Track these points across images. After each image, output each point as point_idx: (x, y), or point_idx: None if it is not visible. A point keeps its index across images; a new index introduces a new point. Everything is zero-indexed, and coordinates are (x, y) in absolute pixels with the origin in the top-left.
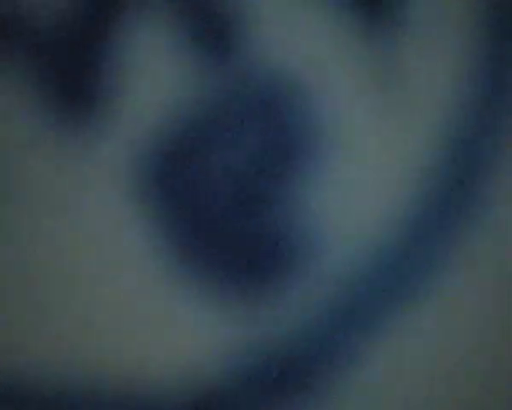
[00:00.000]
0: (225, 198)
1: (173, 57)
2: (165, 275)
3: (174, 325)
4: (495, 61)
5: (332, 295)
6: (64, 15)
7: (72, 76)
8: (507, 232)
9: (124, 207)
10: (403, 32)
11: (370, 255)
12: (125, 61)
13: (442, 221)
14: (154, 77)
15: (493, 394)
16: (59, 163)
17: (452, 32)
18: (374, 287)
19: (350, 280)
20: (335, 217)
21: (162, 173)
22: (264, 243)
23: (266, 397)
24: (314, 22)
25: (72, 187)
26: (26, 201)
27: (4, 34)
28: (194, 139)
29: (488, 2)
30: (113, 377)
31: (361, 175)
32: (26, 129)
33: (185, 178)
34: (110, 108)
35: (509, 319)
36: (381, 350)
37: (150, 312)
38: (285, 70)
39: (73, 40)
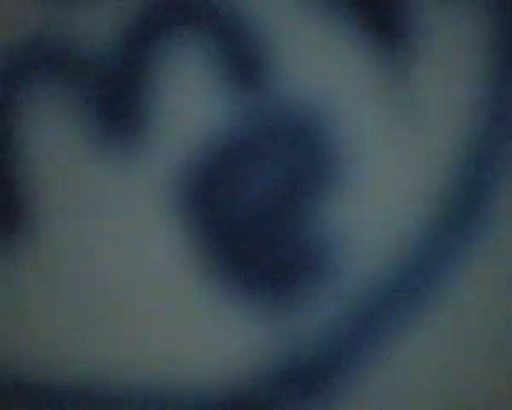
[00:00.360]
0: (255, 211)
1: (208, 84)
2: (199, 280)
3: (208, 323)
4: (506, 86)
5: (355, 299)
6: (107, 43)
7: (115, 100)
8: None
9: (162, 219)
10: (417, 59)
11: (389, 263)
12: (164, 86)
13: (451, 237)
14: (191, 102)
15: (507, 393)
16: (101, 180)
17: (465, 57)
18: (391, 292)
19: (372, 287)
20: (358, 229)
21: (196, 189)
22: (294, 250)
23: (291, 394)
24: (335, 56)
25: (114, 202)
26: (72, 212)
27: (52, 62)
28: (227, 160)
29: (501, 27)
30: (141, 372)
31: (379, 192)
32: (71, 148)
33: (218, 194)
34: (149, 130)
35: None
36: (402, 350)
37: (187, 313)
38: (310, 99)
39: (115, 67)
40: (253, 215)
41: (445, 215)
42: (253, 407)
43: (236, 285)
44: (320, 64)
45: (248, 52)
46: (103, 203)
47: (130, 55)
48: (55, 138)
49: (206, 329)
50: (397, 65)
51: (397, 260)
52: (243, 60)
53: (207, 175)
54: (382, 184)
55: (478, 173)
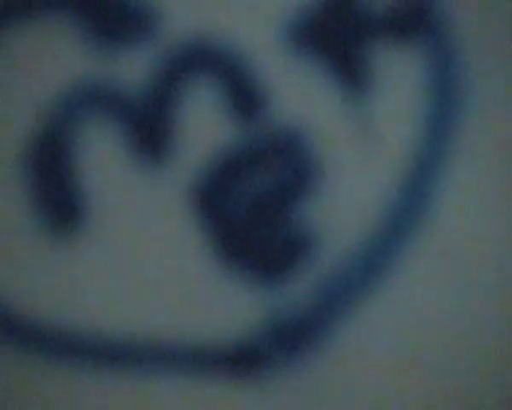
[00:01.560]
0: (253, 209)
1: (218, 113)
2: (214, 267)
3: (220, 297)
4: (442, 107)
5: (326, 277)
6: (143, 81)
7: (147, 125)
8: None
9: (185, 221)
10: (373, 91)
11: (347, 253)
12: (185, 115)
13: (402, 228)
14: (205, 127)
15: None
16: (139, 187)
17: (409, 88)
18: (353, 270)
19: (339, 267)
20: (330, 224)
21: (209, 192)
22: (284, 237)
23: (283, 345)
24: (313, 91)
25: (148, 202)
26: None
27: (99, 96)
28: (232, 170)
29: (435, 67)
30: (174, 333)
31: (348, 193)
32: (117, 163)
33: (227, 199)
34: (173, 148)
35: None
36: (364, 310)
37: (206, 291)
38: (294, 123)
39: (149, 100)
40: (252, 213)
41: (394, 215)
42: (250, 356)
43: (240, 265)
44: (302, 97)
45: (248, 89)
46: (141, 204)
47: (159, 90)
48: (104, 156)
49: (216, 297)
50: (359, 97)
51: (357, 246)
52: (244, 94)
53: (217, 181)
54: (349, 188)
55: (421, 181)
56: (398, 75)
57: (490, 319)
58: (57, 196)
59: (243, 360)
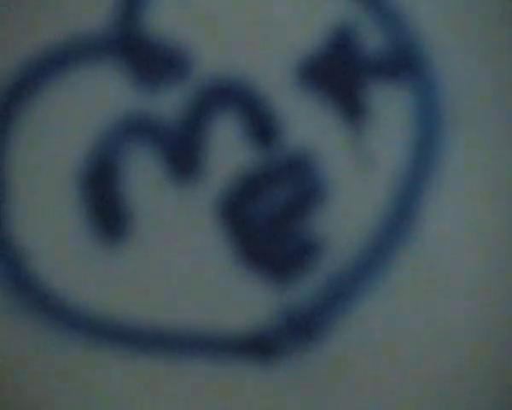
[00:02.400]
0: (269, 221)
1: (239, 141)
2: (236, 269)
3: (241, 294)
4: (423, 135)
5: (331, 278)
6: (176, 112)
7: (180, 150)
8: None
9: (212, 230)
10: (372, 128)
11: (349, 257)
12: (211, 141)
13: (394, 237)
14: (228, 152)
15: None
16: (174, 201)
17: (398, 121)
18: (353, 275)
19: (342, 270)
20: (334, 233)
21: (233, 210)
22: (295, 245)
23: (293, 336)
24: (319, 122)
25: (180, 219)
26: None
27: (140, 128)
28: (251, 189)
29: (417, 105)
30: (202, 324)
31: (348, 209)
32: (152, 186)
33: (247, 212)
34: (201, 170)
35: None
36: (361, 306)
37: (229, 289)
38: (304, 150)
39: (181, 129)
40: (268, 224)
41: (387, 225)
42: (266, 344)
43: (258, 267)
44: (310, 127)
45: (265, 120)
46: (175, 216)
47: (191, 122)
48: (145, 177)
49: (237, 294)
50: (358, 127)
51: (356, 252)
52: (262, 125)
53: (238, 198)
54: (350, 203)
55: (411, 198)
56: (391, 109)
57: (476, 326)
58: (107, 210)
59: (259, 347)
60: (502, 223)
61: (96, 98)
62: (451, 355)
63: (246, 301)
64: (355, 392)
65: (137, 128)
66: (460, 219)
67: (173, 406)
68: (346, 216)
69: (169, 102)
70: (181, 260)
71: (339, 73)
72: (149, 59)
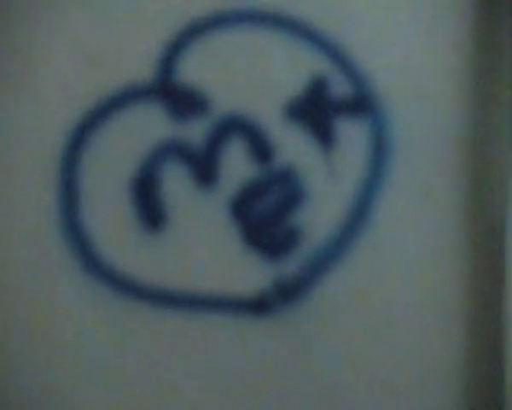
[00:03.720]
0: (268, 217)
1: (245, 159)
2: (243, 250)
3: (246, 268)
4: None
5: (309, 257)
6: (199, 140)
7: (202, 167)
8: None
9: (226, 223)
10: (339, 150)
11: (321, 243)
12: (224, 160)
13: (355, 229)
14: (237, 168)
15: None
16: (198, 205)
17: (358, 151)
18: (325, 255)
19: (317, 251)
20: (311, 225)
21: (241, 208)
22: (284, 236)
23: (284, 299)
24: (303, 146)
25: (202, 216)
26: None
27: (173, 150)
28: (253, 194)
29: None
30: (218, 291)
31: (321, 207)
32: (182, 192)
33: (250, 211)
34: (219, 182)
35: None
36: (331, 276)
37: (238, 265)
38: (290, 165)
39: (203, 151)
40: (266, 218)
41: (349, 220)
42: (264, 305)
43: (258, 249)
44: (295, 149)
45: (263, 144)
46: (199, 213)
47: (210, 146)
48: (176, 186)
49: (244, 268)
50: (328, 150)
51: (328, 239)
52: (261, 148)
53: (244, 200)
54: (322, 203)
55: (366, 200)
56: (352, 138)
57: (415, 292)
58: (151, 209)
59: (259, 306)
60: (434, 221)
61: (144, 129)
62: (397, 305)
63: (249, 274)
64: (328, 337)
65: (172, 150)
66: (403, 218)
67: (196, 348)
68: (319, 214)
69: (194, 132)
70: (203, 244)
71: (315, 111)
72: (181, 101)
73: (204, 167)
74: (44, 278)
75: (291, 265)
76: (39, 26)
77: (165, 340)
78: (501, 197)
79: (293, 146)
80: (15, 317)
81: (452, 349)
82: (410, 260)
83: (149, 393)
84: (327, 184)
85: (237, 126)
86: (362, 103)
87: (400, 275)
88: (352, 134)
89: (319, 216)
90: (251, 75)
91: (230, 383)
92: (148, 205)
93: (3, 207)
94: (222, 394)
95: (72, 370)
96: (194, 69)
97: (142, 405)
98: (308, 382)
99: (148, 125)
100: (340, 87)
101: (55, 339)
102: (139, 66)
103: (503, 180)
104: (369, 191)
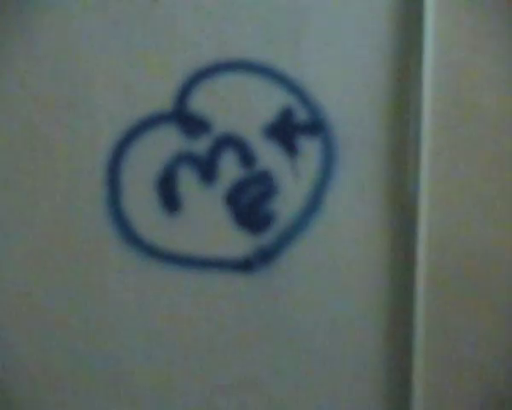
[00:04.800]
0: (250, 205)
1: (235, 164)
2: (233, 227)
3: (235, 241)
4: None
5: (279, 232)
6: (204, 152)
7: (206, 169)
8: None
9: (222, 208)
10: (302, 160)
11: (289, 223)
12: (222, 164)
13: (311, 216)
14: (229, 170)
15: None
16: (204, 197)
17: (314, 160)
18: (290, 231)
19: (284, 228)
20: (281, 210)
21: (232, 198)
22: (262, 218)
23: (262, 261)
24: (277, 156)
25: (206, 203)
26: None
27: (185, 158)
28: (241, 189)
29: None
30: (214, 255)
31: (288, 198)
32: (192, 187)
33: (238, 200)
34: (217, 180)
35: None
36: (297, 245)
37: (228, 238)
38: (268, 169)
39: (207, 158)
40: (249, 204)
41: (307, 207)
42: (247, 266)
43: (244, 226)
44: (272, 158)
45: (248, 154)
46: (203, 203)
47: (211, 155)
48: (189, 184)
49: (233, 241)
50: (294, 160)
51: (291, 220)
52: (247, 157)
53: (234, 193)
54: (289, 195)
55: (318, 196)
56: (311, 151)
57: (360, 264)
58: (170, 199)
59: (243, 267)
60: (367, 209)
61: (165, 143)
62: (339, 266)
63: (238, 244)
64: (293, 289)
65: (184, 159)
66: (345, 207)
67: (201, 295)
68: (287, 204)
69: (200, 146)
70: (206, 224)
71: (284, 132)
72: (191, 124)
73: (206, 171)
74: (97, 250)
75: (267, 238)
76: (95, 67)
77: (179, 290)
78: (413, 197)
79: (269, 156)
80: (76, 282)
81: (379, 294)
82: (350, 234)
83: (169, 330)
84: (292, 183)
85: (230, 142)
86: (316, 126)
87: (343, 245)
88: (310, 148)
89: (287, 205)
90: (239, 106)
91: (227, 321)
92: (168, 197)
93: (65, 199)
94: (220, 329)
95: (117, 315)
96: (201, 102)
97: (167, 337)
98: (279, 319)
99: (168, 141)
100: (301, 115)
101: (107, 296)
102: (162, 99)
103: (415, 183)
104: (321, 188)
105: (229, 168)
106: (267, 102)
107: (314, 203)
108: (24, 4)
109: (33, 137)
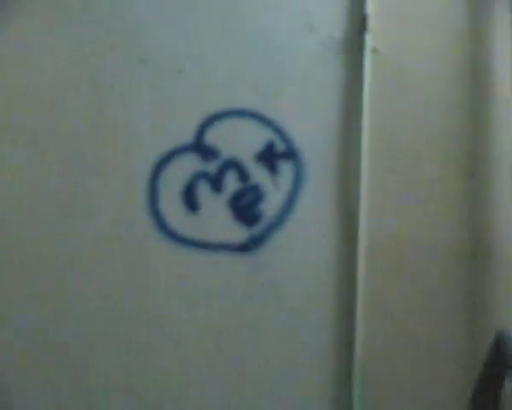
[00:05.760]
0: (244, 207)
1: (233, 180)
2: (233, 218)
3: (233, 229)
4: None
5: (264, 224)
6: (213, 171)
7: (215, 183)
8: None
9: (227, 207)
10: (278, 177)
11: (270, 219)
12: (223, 178)
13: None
14: (229, 185)
15: None
16: (211, 201)
17: (287, 181)
18: (271, 224)
19: (268, 221)
20: (265, 211)
21: (234, 201)
22: (255, 214)
23: (254, 244)
24: (263, 176)
25: (217, 205)
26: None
27: (199, 172)
28: (236, 196)
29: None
30: (217, 238)
31: (271, 204)
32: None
33: (238, 202)
34: (223, 189)
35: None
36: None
37: (229, 226)
38: (256, 184)
39: (216, 176)
40: (246, 206)
41: (284, 209)
42: (243, 247)
43: (240, 219)
44: (261, 176)
45: (243, 173)
46: (214, 202)
47: (218, 173)
48: (205, 189)
49: (231, 228)
50: (274, 177)
51: (271, 219)
52: (241, 174)
53: (235, 197)
54: (271, 202)
55: (290, 202)
56: (284, 171)
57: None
58: (191, 200)
59: (241, 249)
60: (324, 210)
61: (187, 165)
62: (302, 250)
63: (237, 232)
64: (278, 263)
65: (201, 176)
66: (309, 208)
67: (209, 270)
68: (270, 206)
69: (211, 167)
70: (215, 218)
71: (268, 158)
72: (205, 152)
73: (215, 184)
74: (142, 238)
75: (257, 230)
76: (143, 115)
77: (197, 264)
78: (356, 204)
79: (258, 174)
80: (120, 268)
81: (329, 266)
82: (312, 229)
83: (191, 288)
84: (274, 193)
85: (232, 165)
86: (289, 154)
87: (307, 235)
88: (285, 169)
89: (270, 208)
90: (238, 140)
91: (230, 285)
92: (190, 202)
93: (120, 203)
94: (226, 290)
95: (158, 281)
96: (212, 137)
97: (191, 293)
98: (265, 284)
99: (189, 164)
100: (279, 146)
101: (149, 269)
102: (185, 135)
103: (357, 194)
104: (293, 196)
105: (231, 182)
106: (257, 137)
107: (288, 207)
108: None
109: (94, 158)
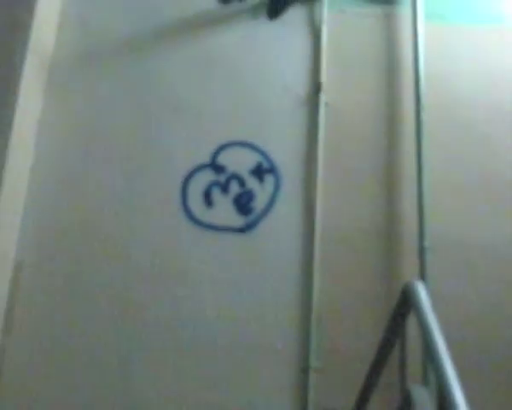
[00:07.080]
0: (242, 206)
1: (236, 187)
2: (235, 213)
3: (234, 217)
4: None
5: (256, 216)
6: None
7: (222, 190)
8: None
9: (231, 207)
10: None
11: (258, 214)
12: (229, 187)
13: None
14: (233, 190)
15: None
16: (219, 203)
17: (269, 189)
18: (260, 216)
19: (261, 214)
20: (256, 207)
21: (236, 202)
22: (249, 209)
23: (249, 227)
24: (258, 188)
25: (225, 205)
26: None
27: (215, 183)
28: (237, 198)
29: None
30: (222, 224)
31: (261, 202)
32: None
33: (238, 202)
34: (228, 194)
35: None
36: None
37: (230, 213)
38: (250, 190)
39: (223, 186)
40: (244, 204)
41: (266, 211)
42: (241, 230)
43: (240, 213)
44: (256, 185)
45: (242, 183)
46: (222, 202)
47: (225, 183)
48: (216, 195)
49: (232, 217)
50: (264, 189)
51: (257, 215)
52: (241, 184)
53: (236, 198)
54: (260, 201)
55: (271, 206)
56: (268, 181)
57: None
58: (206, 201)
59: (241, 231)
60: (295, 214)
61: (204, 178)
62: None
63: (237, 220)
64: (266, 239)
65: (214, 184)
66: (284, 208)
67: (218, 246)
68: (259, 204)
69: (221, 178)
70: (223, 212)
71: (258, 173)
72: (217, 169)
73: (224, 189)
74: (177, 226)
75: (251, 219)
76: (177, 141)
77: (212, 241)
78: (314, 202)
79: (252, 183)
80: (163, 244)
81: (292, 248)
82: (285, 220)
83: (208, 259)
84: (261, 195)
85: (235, 177)
86: (271, 170)
87: (283, 224)
88: (269, 179)
89: (259, 205)
90: (238, 160)
91: (232, 258)
92: (208, 200)
93: (161, 202)
94: (229, 261)
95: (188, 258)
96: (222, 159)
97: (209, 263)
98: (257, 257)
99: (206, 176)
100: (265, 164)
101: (183, 248)
102: (204, 158)
103: (314, 194)
104: (274, 198)
105: (234, 188)
106: (250, 159)
107: (270, 205)
108: None
109: (146, 173)
